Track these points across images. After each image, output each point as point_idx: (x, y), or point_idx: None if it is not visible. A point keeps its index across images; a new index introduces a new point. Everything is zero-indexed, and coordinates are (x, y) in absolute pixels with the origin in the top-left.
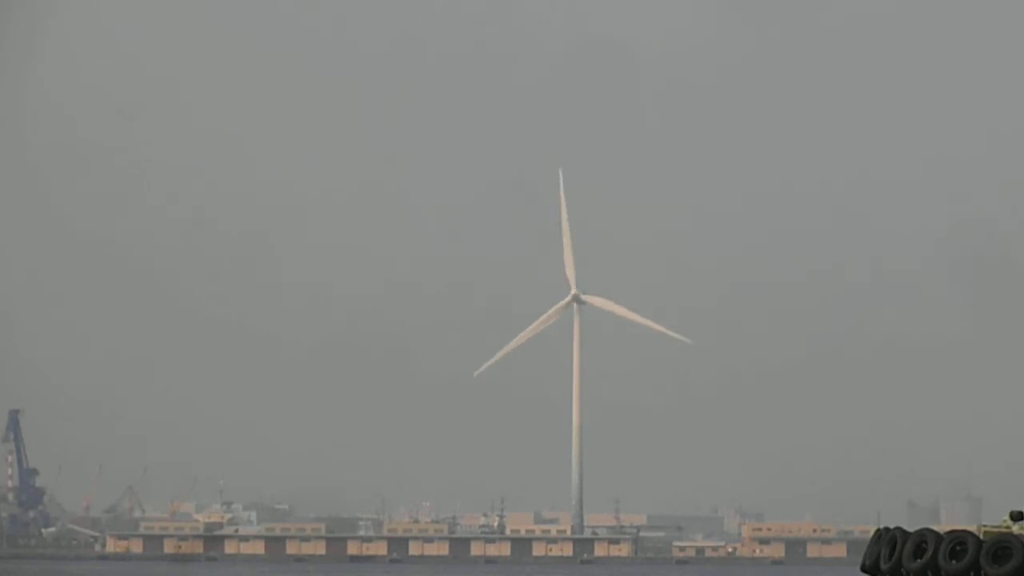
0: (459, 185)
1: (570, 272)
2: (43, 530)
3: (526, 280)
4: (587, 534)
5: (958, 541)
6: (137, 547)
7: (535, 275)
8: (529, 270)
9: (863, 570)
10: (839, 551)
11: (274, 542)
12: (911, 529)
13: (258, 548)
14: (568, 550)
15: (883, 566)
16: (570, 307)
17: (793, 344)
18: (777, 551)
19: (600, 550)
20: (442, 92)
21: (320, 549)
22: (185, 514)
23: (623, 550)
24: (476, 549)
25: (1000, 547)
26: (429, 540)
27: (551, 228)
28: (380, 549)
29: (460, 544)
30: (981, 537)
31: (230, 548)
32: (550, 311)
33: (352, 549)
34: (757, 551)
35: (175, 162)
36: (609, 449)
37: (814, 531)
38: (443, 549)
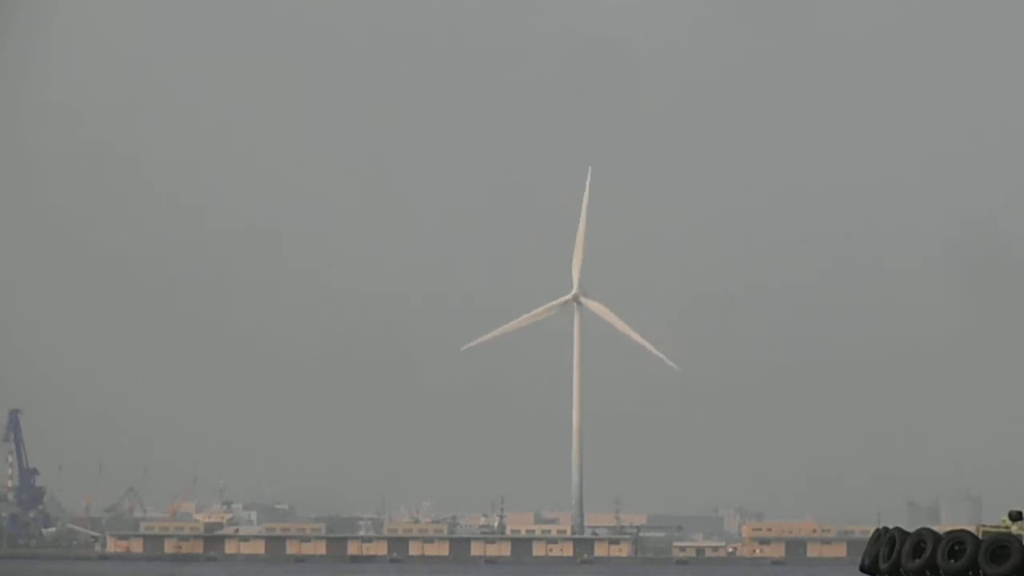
0: (460, 185)
1: (576, 271)
2: (43, 530)
3: (527, 281)
4: (587, 534)
5: (957, 541)
6: (137, 547)
7: (537, 276)
8: (531, 271)
9: (862, 570)
10: (839, 551)
11: (274, 542)
12: (911, 529)
13: (258, 548)
14: (568, 550)
15: (882, 566)
16: (569, 306)
17: (793, 344)
18: (777, 551)
19: (600, 550)
20: (442, 92)
21: (320, 549)
22: (185, 514)
23: (623, 550)
24: (476, 549)
25: (999, 547)
26: (429, 540)
27: (552, 228)
28: (380, 549)
29: (460, 544)
30: (980, 537)
31: (230, 548)
32: (550, 304)
33: (352, 549)
34: (757, 551)
35: (176, 161)
36: (609, 449)
37: (814, 531)
38: (443, 549)
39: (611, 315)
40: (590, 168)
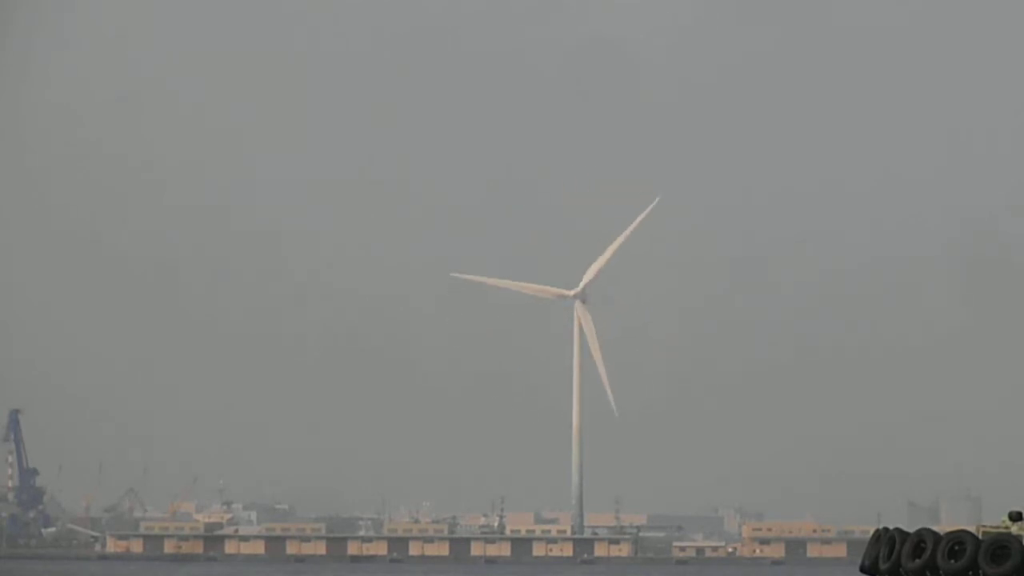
0: (460, 185)
1: (590, 274)
2: (43, 530)
3: (527, 281)
4: (587, 534)
5: (956, 541)
6: (137, 547)
7: (536, 276)
8: (531, 271)
9: (862, 570)
10: (839, 551)
11: (274, 542)
12: (911, 529)
13: (258, 548)
14: (568, 550)
15: (882, 566)
16: (568, 305)
17: (793, 344)
18: (777, 551)
19: (600, 550)
20: (442, 92)
21: (320, 549)
22: (185, 514)
23: (623, 550)
24: (476, 549)
25: (998, 547)
26: (429, 540)
27: (552, 228)
28: (380, 549)
29: (460, 544)
30: (980, 537)
31: (230, 548)
32: (549, 288)
33: (352, 549)
34: (757, 551)
35: (176, 162)
36: (609, 449)
37: (814, 531)
38: (443, 549)
39: (593, 334)
40: (658, 197)
